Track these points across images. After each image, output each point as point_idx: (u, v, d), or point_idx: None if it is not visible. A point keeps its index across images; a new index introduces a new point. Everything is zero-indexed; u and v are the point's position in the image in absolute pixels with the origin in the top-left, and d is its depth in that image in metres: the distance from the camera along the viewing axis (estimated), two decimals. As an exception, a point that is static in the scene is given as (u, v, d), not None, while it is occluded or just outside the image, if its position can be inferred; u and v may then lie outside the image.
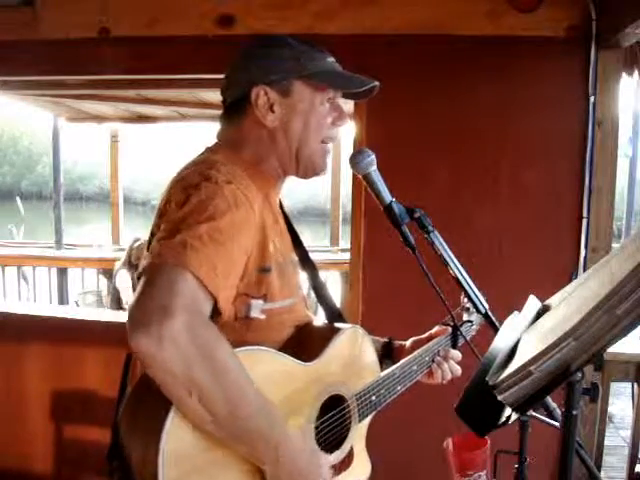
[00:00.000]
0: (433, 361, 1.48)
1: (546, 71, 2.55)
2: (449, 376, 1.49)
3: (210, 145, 1.28)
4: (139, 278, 1.01)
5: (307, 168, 1.29)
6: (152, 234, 1.13)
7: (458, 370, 1.50)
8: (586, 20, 2.47)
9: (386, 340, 1.56)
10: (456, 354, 1.51)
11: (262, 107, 1.21)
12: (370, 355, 1.39)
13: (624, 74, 2.64)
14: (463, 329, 1.56)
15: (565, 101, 2.57)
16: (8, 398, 2.84)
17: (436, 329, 1.56)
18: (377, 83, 1.27)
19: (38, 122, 18.02)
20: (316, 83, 1.23)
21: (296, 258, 1.36)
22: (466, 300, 1.42)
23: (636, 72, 2.84)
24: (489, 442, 1.89)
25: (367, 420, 1.36)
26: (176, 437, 0.98)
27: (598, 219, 2.54)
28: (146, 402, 1.03)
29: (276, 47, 1.24)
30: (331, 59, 1.28)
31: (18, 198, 13.22)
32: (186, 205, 1.06)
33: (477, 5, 2.54)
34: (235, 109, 1.26)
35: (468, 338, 1.54)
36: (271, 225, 1.22)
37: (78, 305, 5.23)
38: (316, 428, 1.21)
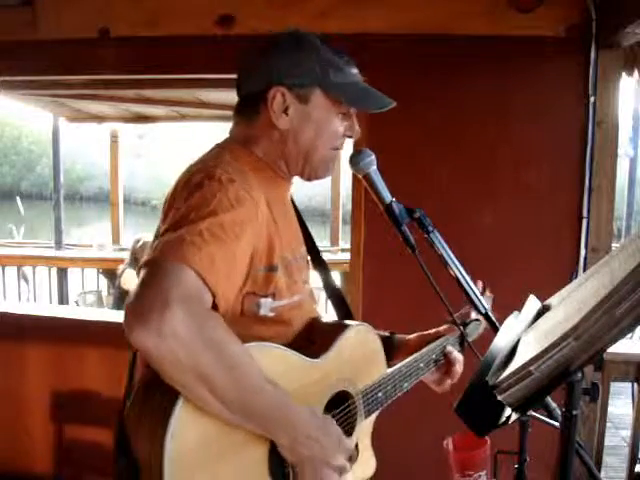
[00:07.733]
0: (438, 361, 1.48)
1: (546, 71, 2.55)
2: (456, 378, 1.49)
3: (220, 142, 1.26)
4: (139, 272, 1.00)
5: (312, 173, 1.28)
6: (157, 233, 1.12)
7: (459, 373, 1.50)
8: (586, 20, 2.47)
9: (387, 334, 1.54)
10: (459, 357, 1.51)
11: (277, 108, 1.19)
12: (377, 352, 1.39)
13: (624, 74, 2.63)
14: (471, 326, 1.56)
15: (565, 101, 2.57)
16: (8, 398, 2.84)
17: (444, 327, 1.54)
18: (394, 103, 1.26)
19: (38, 122, 18.03)
20: (336, 95, 1.22)
21: (305, 252, 1.36)
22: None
23: (636, 72, 2.84)
24: (489, 442, 1.89)
25: (373, 416, 1.35)
26: (185, 427, 0.97)
27: (598, 219, 2.54)
28: (152, 398, 1.02)
29: (304, 49, 1.20)
30: (355, 70, 1.26)
31: (18, 198, 13.23)
32: (188, 202, 1.06)
33: (477, 5, 2.54)
34: (250, 103, 1.24)
35: (476, 335, 1.55)
36: (279, 222, 1.21)
37: (78, 305, 5.22)
38: None
